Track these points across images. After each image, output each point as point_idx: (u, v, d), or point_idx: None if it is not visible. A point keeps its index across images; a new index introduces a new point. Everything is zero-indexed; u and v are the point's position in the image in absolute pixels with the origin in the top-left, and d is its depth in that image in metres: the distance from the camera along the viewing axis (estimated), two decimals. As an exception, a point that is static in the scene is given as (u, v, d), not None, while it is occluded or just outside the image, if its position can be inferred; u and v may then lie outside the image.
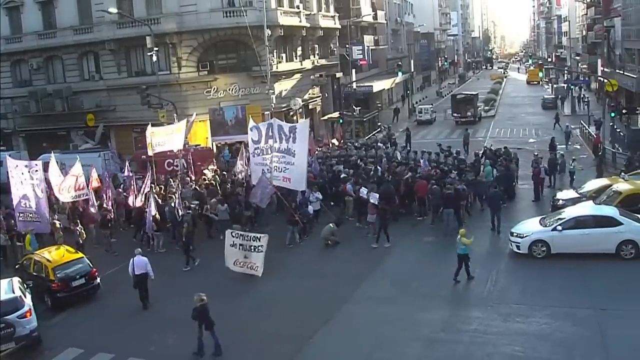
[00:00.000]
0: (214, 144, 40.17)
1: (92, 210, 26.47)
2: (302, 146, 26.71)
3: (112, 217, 26.75)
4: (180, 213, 25.06)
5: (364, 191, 25.19)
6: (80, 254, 21.55)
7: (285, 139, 26.73)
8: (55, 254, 21.33)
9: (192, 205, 26.14)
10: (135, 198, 27.02)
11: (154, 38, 37.62)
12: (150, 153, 28.46)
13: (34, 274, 20.75)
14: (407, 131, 47.26)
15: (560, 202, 25.34)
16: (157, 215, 24.91)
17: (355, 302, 19.07)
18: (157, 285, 21.24)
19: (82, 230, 24.92)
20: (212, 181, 30.73)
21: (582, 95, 64.27)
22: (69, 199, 26.94)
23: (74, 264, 20.71)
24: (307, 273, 21.87)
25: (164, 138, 29.51)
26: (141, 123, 39.24)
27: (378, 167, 30.57)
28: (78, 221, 25.68)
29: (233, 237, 21.81)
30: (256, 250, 21.33)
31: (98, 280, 20.97)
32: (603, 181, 26.25)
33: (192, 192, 28.34)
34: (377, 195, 24.39)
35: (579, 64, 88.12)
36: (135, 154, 36.69)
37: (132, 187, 27.32)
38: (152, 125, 30.80)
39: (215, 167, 34.00)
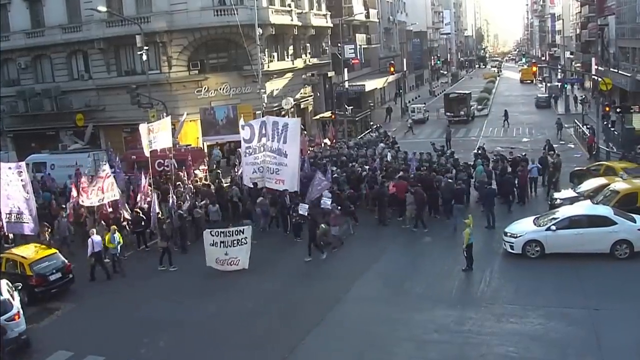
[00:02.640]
0: (204, 144, 39.88)
1: (125, 212, 25.72)
2: (293, 146, 26.58)
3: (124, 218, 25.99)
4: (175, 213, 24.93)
5: (327, 202, 24.52)
6: (53, 250, 21.70)
7: (277, 138, 26.58)
8: (28, 251, 21.60)
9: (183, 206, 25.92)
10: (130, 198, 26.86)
11: (143, 37, 37.19)
12: (147, 152, 27.99)
13: (7, 271, 20.58)
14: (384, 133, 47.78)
15: (558, 201, 25.14)
16: (160, 214, 24.91)
17: (348, 302, 18.96)
18: (146, 286, 21.15)
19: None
20: (211, 182, 30.48)
21: (577, 96, 63.87)
22: (96, 202, 25.98)
23: (49, 259, 21.08)
24: (299, 273, 21.72)
25: (154, 135, 29.05)
26: (131, 123, 39.06)
27: (365, 166, 30.54)
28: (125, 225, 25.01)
29: (212, 236, 21.83)
30: (239, 243, 21.43)
31: (71, 275, 21.28)
32: (600, 180, 26.01)
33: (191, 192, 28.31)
34: (307, 207, 24.10)
35: (573, 63, 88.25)
36: (124, 154, 36.33)
37: (135, 187, 27.06)
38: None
39: (206, 167, 33.70)
